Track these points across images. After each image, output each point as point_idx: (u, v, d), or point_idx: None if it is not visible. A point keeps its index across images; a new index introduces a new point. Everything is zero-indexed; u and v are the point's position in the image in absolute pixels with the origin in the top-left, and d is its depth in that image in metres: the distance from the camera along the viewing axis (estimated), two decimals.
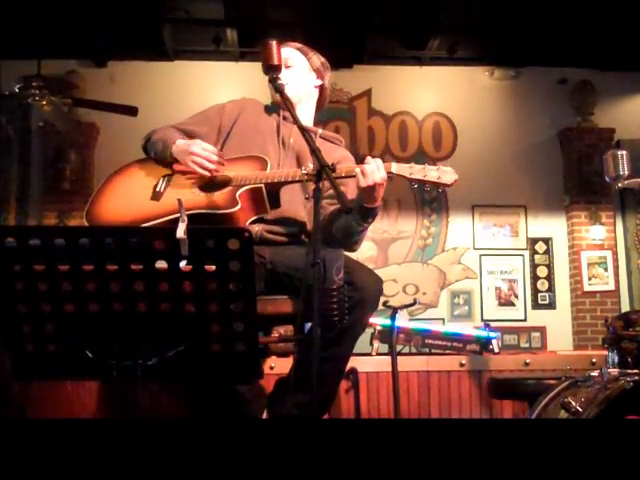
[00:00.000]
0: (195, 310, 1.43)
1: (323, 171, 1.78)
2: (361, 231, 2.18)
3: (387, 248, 6.16)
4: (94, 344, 1.45)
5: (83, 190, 5.68)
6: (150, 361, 1.44)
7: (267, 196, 2.15)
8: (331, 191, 2.09)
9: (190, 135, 2.33)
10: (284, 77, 2.27)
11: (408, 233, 6.20)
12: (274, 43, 1.96)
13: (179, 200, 1.53)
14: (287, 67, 2.32)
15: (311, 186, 2.22)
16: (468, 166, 6.16)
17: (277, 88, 1.99)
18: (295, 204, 2.27)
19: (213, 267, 1.39)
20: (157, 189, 2.23)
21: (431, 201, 6.24)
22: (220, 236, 1.39)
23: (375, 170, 2.02)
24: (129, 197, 2.24)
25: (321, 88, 2.45)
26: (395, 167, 2.08)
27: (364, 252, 6.08)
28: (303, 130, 1.87)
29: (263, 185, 2.13)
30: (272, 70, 1.97)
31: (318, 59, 2.45)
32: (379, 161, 2.05)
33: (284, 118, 2.36)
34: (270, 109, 2.42)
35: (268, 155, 2.23)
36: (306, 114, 2.39)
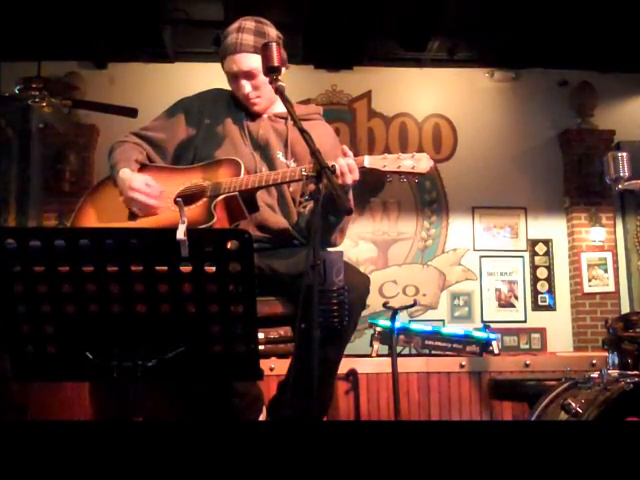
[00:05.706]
0: (195, 311, 1.43)
1: (323, 172, 1.77)
2: (338, 228, 2.10)
3: (387, 249, 6.16)
4: (94, 345, 1.45)
5: (83, 192, 5.55)
6: (150, 362, 1.44)
7: (243, 202, 2.08)
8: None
9: (152, 143, 2.30)
10: (254, 91, 2.21)
11: (408, 234, 6.20)
12: (274, 45, 1.92)
13: (179, 202, 1.53)
14: (252, 78, 2.20)
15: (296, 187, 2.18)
16: (468, 168, 6.19)
17: (277, 90, 1.96)
18: (262, 208, 2.19)
19: (213, 268, 1.39)
20: None
21: (431, 202, 6.24)
22: (220, 237, 1.39)
23: (354, 169, 1.93)
24: (106, 218, 2.19)
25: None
26: (368, 161, 1.98)
27: (364, 253, 6.09)
28: (303, 132, 1.85)
29: (237, 193, 2.06)
30: (272, 72, 1.92)
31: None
32: (350, 160, 1.95)
33: (247, 111, 2.27)
34: (236, 99, 2.31)
35: (241, 157, 2.16)
36: (280, 104, 2.25)
